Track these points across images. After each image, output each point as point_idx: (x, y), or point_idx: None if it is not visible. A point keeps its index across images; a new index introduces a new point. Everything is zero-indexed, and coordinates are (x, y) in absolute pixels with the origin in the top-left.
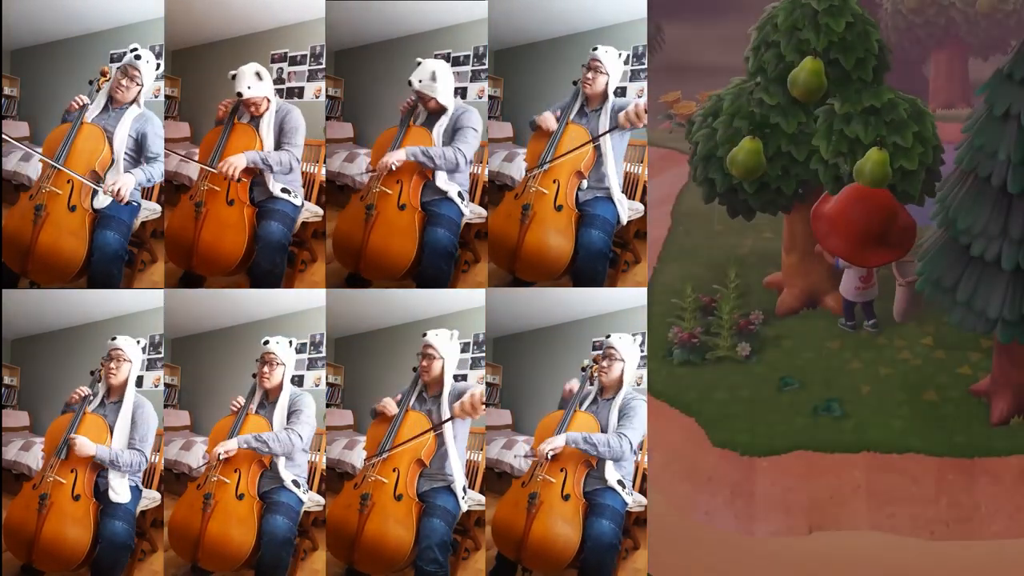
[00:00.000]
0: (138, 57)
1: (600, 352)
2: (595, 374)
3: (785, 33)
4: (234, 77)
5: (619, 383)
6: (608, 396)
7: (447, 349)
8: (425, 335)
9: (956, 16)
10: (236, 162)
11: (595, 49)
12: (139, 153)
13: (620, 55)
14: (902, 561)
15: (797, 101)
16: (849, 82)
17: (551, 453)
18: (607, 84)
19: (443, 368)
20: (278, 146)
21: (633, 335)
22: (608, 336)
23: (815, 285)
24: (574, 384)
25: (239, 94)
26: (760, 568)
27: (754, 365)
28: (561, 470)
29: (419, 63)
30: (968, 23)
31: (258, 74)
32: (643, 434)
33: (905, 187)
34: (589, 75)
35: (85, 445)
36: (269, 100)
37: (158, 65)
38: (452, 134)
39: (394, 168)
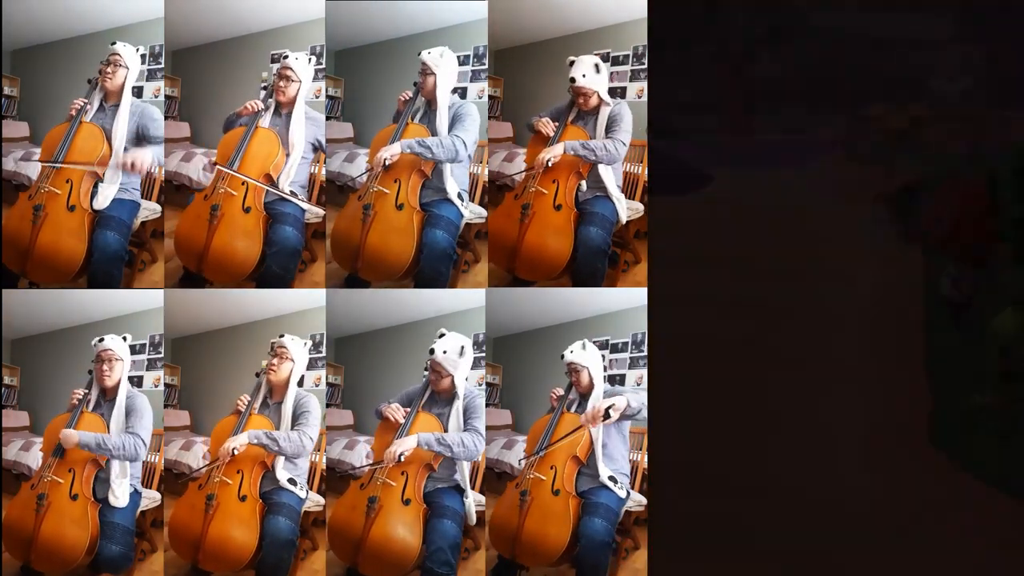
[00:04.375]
0: (113, 43)
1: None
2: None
3: None
4: (284, 58)
5: None
6: None
7: (459, 360)
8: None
9: None
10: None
11: (573, 81)
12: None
13: (596, 65)
14: None
15: None
16: None
17: None
18: (599, 95)
19: (453, 381)
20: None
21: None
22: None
23: None
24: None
25: (285, 57)
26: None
27: None
28: (551, 467)
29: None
30: None
31: (309, 59)
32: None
33: None
34: (580, 100)
35: (69, 435)
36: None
37: (137, 50)
38: (607, 129)
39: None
